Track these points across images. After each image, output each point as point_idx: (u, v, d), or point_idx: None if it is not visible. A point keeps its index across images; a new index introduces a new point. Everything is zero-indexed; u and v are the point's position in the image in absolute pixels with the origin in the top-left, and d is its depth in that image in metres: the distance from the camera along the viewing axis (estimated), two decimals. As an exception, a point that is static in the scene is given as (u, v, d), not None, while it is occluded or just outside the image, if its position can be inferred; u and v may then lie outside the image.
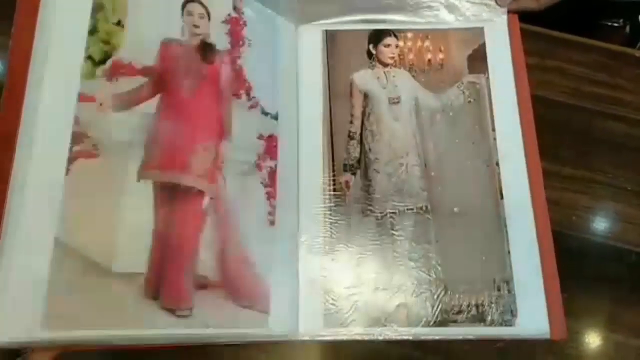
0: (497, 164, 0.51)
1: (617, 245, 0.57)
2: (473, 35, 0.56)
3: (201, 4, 0.49)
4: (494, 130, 0.52)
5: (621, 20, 0.84)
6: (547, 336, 0.46)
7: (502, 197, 0.50)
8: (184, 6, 0.48)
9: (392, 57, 0.55)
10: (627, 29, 0.84)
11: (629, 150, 0.61)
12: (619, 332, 0.54)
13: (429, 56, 0.55)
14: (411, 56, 0.56)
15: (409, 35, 0.56)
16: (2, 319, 0.37)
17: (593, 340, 0.54)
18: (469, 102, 0.54)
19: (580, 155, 0.61)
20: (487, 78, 0.54)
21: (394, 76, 0.55)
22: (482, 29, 0.56)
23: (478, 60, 0.55)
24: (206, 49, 0.48)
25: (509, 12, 0.56)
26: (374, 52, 0.56)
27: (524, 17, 0.57)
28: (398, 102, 0.54)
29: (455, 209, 0.50)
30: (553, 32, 0.67)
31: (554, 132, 0.61)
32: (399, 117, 0.53)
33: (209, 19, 0.49)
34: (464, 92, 0.54)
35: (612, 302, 0.55)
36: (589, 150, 0.61)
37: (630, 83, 0.64)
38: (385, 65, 0.55)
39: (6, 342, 0.37)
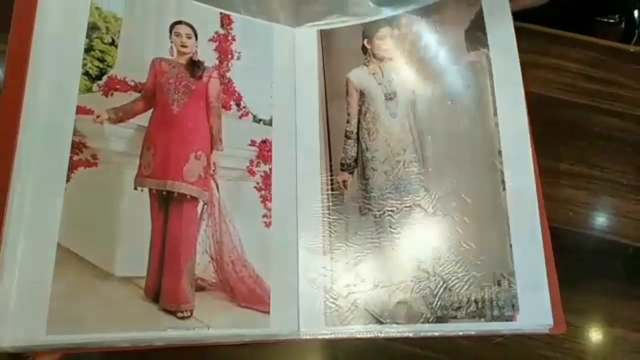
0: (500, 153, 0.49)
1: (615, 239, 0.57)
2: (469, 4, 0.53)
3: (188, 25, 0.51)
4: (495, 114, 0.50)
5: (616, 16, 0.84)
6: (547, 330, 0.46)
7: (504, 189, 0.48)
8: (172, 27, 0.50)
9: (388, 50, 0.55)
10: (623, 25, 0.84)
11: (625, 145, 0.61)
12: (617, 326, 0.54)
13: (425, 40, 0.54)
14: (406, 44, 0.55)
15: (403, 21, 0.55)
16: (5, 324, 0.37)
17: (592, 334, 0.54)
18: (468, 86, 0.52)
19: (577, 151, 0.61)
20: (488, 55, 0.51)
21: (389, 70, 0.55)
22: None
23: (476, 33, 0.52)
24: (194, 66, 0.50)
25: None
26: (368, 47, 0.55)
27: (519, 15, 0.57)
28: (394, 98, 0.54)
29: (454, 204, 0.50)
30: (548, 29, 0.67)
31: (551, 129, 0.61)
32: (396, 113, 0.53)
33: (196, 38, 0.51)
34: (463, 77, 0.52)
35: (611, 296, 0.55)
36: (586, 146, 0.61)
37: (626, 79, 0.64)
38: (380, 59, 0.55)
39: (9, 346, 0.38)
